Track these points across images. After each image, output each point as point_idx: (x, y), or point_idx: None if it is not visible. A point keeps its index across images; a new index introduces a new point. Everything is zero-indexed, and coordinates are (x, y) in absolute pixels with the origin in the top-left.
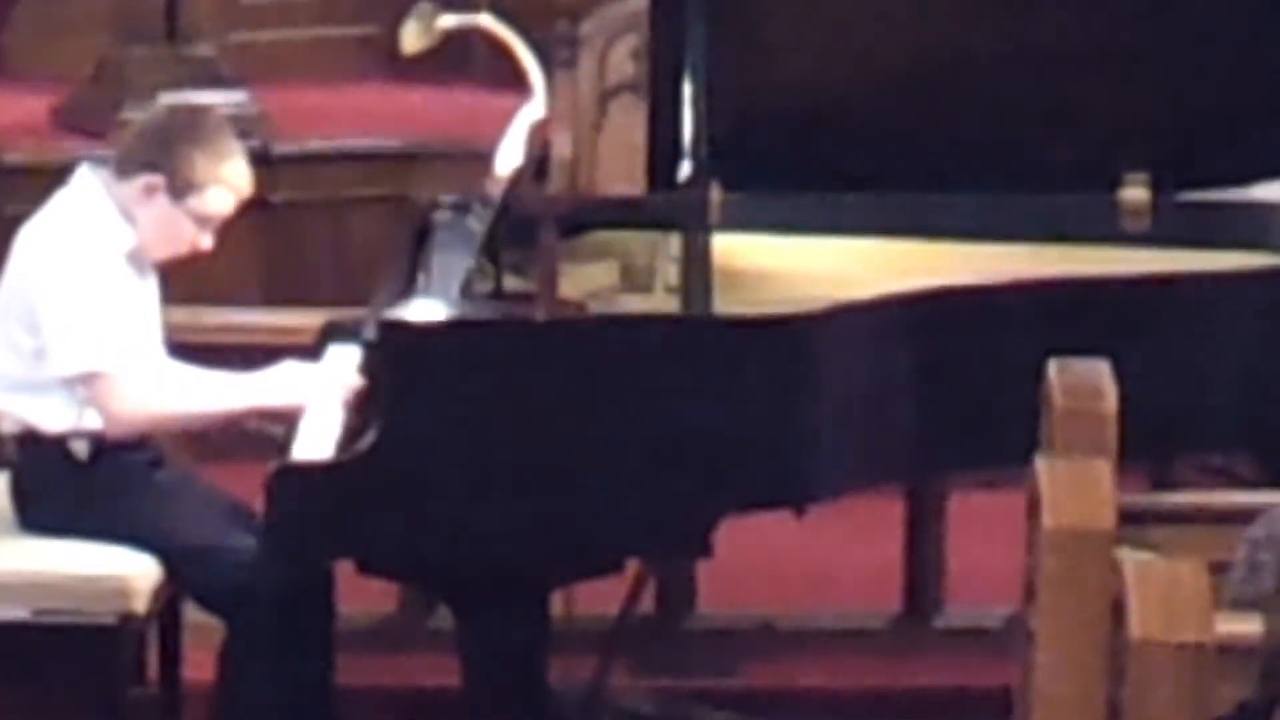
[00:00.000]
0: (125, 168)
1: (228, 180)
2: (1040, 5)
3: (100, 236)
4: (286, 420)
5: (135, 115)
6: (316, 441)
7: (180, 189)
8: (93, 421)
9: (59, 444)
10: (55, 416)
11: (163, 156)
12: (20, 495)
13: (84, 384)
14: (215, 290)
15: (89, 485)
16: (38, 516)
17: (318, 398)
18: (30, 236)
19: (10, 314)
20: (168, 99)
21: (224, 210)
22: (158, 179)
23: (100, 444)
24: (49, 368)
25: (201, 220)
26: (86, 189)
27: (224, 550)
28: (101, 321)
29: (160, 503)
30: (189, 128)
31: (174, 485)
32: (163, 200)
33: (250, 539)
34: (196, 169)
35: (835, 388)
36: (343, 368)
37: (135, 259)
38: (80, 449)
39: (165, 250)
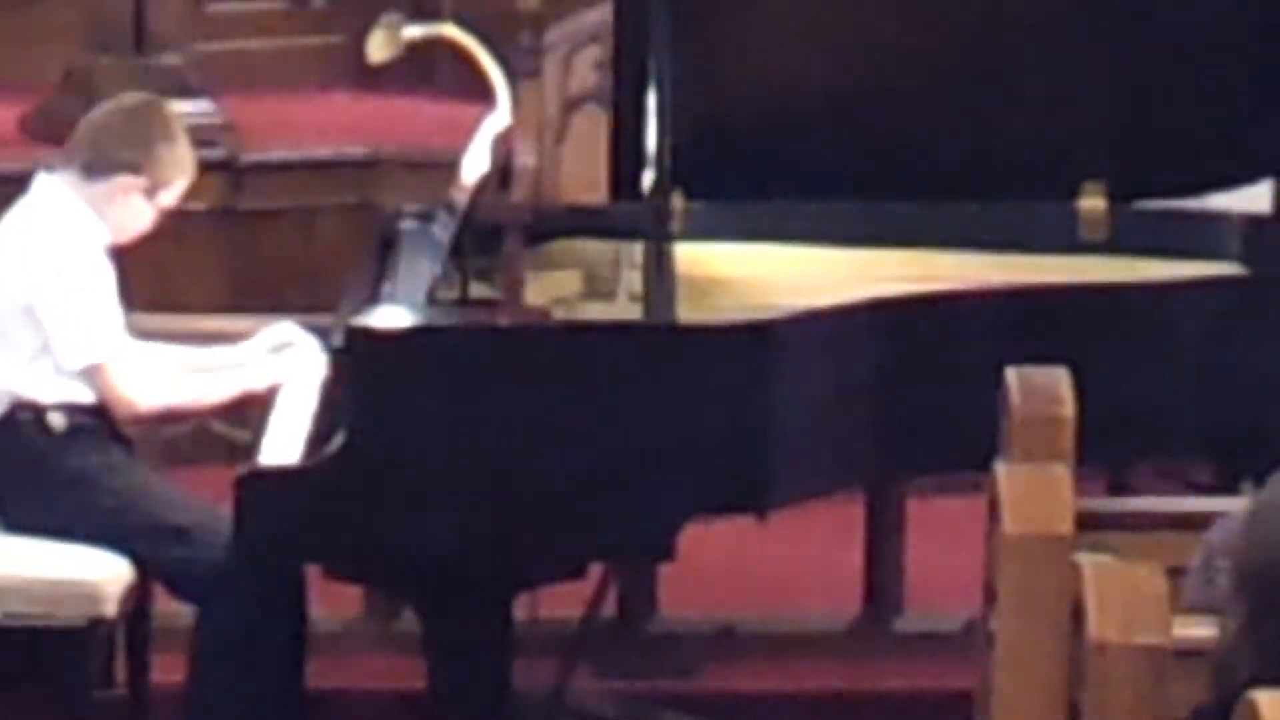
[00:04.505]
0: (99, 168)
1: (189, 172)
2: (997, 20)
3: (83, 236)
4: (257, 407)
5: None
6: (283, 445)
7: (156, 188)
8: (75, 395)
9: (39, 417)
10: (41, 388)
11: (143, 158)
12: None
13: (91, 375)
14: (183, 297)
15: (65, 462)
16: (14, 504)
17: (295, 374)
18: (16, 239)
19: None
20: None
21: (179, 197)
22: (138, 180)
23: (79, 419)
24: (60, 362)
25: (164, 211)
26: (57, 194)
27: (198, 531)
28: (99, 315)
29: (136, 482)
30: (162, 124)
31: (148, 471)
32: (137, 198)
33: (223, 527)
34: (172, 168)
35: (797, 394)
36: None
37: (109, 252)
38: (58, 421)
39: (124, 237)
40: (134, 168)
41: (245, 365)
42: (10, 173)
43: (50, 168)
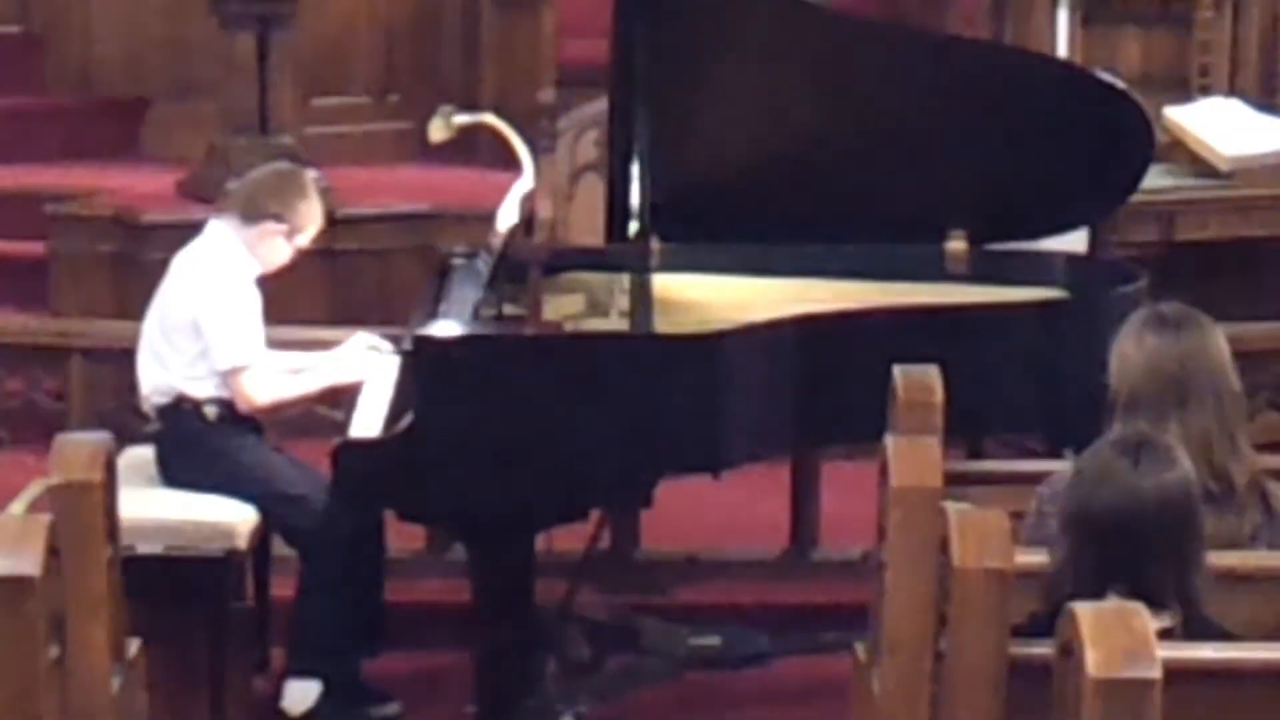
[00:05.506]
0: (252, 215)
1: (319, 222)
2: (889, 112)
3: (240, 268)
4: (348, 395)
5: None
6: (367, 423)
7: (294, 232)
8: (223, 392)
9: (197, 408)
10: (200, 387)
11: (285, 210)
12: (162, 453)
13: (228, 375)
14: (295, 314)
15: (214, 442)
16: (174, 469)
17: (374, 370)
18: (189, 268)
19: (171, 323)
20: None
21: (311, 240)
22: (281, 226)
23: (225, 411)
24: (211, 363)
25: (300, 251)
26: (223, 236)
27: (306, 500)
28: (245, 329)
29: (263, 459)
30: (300, 185)
31: (271, 450)
32: (280, 240)
33: (323, 495)
34: (307, 218)
35: (742, 385)
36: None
37: (258, 282)
38: (212, 412)
39: (269, 270)
40: (278, 216)
41: (333, 366)
42: (169, 223)
43: (219, 215)
